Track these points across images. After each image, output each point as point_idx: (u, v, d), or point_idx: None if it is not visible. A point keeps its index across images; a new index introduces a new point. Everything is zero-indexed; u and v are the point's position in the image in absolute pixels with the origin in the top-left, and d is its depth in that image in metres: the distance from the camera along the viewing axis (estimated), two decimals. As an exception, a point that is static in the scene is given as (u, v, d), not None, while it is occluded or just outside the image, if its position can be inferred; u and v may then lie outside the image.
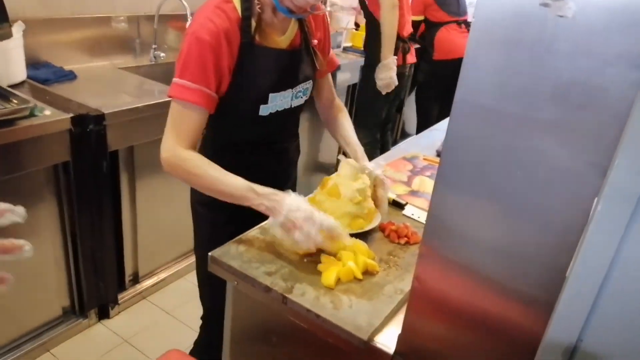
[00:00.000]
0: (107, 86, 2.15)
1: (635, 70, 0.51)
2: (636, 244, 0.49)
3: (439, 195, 0.71)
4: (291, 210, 1.00)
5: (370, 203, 1.19)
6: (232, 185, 1.05)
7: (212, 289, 1.31)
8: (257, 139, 1.26)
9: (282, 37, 1.19)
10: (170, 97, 1.08)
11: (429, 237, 0.73)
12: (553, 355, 0.56)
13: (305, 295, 0.93)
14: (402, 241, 1.15)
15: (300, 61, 1.22)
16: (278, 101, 1.19)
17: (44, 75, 2.02)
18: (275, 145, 1.32)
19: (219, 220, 1.29)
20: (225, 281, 1.05)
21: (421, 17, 3.45)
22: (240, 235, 1.10)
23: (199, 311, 1.48)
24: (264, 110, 1.18)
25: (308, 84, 1.27)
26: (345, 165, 1.20)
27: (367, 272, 1.02)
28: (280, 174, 1.37)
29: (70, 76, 2.10)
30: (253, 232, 1.12)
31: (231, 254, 1.03)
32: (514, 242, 0.67)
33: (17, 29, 1.87)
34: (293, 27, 1.21)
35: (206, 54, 1.05)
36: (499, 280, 0.69)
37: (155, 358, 2.03)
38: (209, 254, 1.03)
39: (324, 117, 1.45)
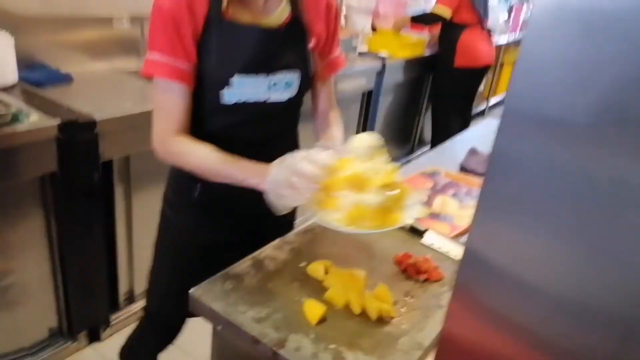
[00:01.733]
0: (106, 91, 2.01)
1: None
2: None
3: (480, 227, 0.52)
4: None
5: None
6: (239, 164, 0.96)
7: (162, 298, 1.18)
8: (224, 135, 1.04)
9: (269, 18, 1.00)
10: (143, 76, 0.98)
11: (464, 283, 0.54)
12: None
13: (300, 351, 0.75)
14: (422, 278, 0.95)
15: (281, 42, 1.01)
16: (247, 88, 0.98)
17: (36, 77, 1.88)
18: (256, 147, 1.06)
19: (185, 227, 1.14)
20: (181, 294, 0.89)
21: (446, 11, 3.15)
22: (228, 269, 0.92)
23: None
24: (229, 97, 0.98)
25: (292, 75, 1.03)
26: (358, 141, 0.95)
27: (380, 319, 0.83)
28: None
29: (66, 79, 1.96)
30: (243, 265, 0.95)
31: (215, 293, 0.85)
32: (592, 297, 0.48)
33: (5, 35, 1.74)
34: (284, 9, 1.01)
35: (167, 23, 0.94)
36: (570, 348, 0.49)
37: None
38: (190, 292, 0.85)
39: (315, 130, 1.21)
